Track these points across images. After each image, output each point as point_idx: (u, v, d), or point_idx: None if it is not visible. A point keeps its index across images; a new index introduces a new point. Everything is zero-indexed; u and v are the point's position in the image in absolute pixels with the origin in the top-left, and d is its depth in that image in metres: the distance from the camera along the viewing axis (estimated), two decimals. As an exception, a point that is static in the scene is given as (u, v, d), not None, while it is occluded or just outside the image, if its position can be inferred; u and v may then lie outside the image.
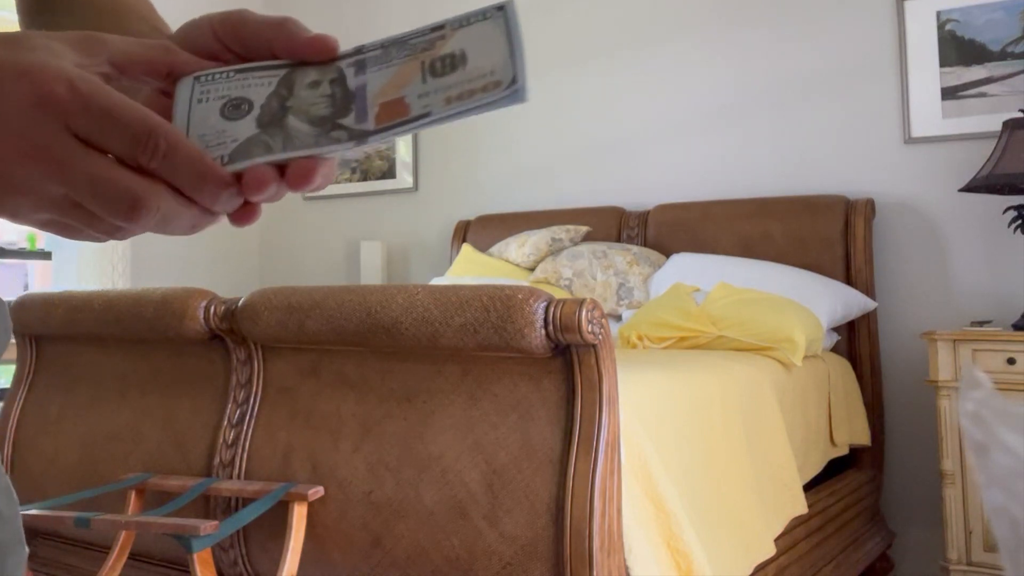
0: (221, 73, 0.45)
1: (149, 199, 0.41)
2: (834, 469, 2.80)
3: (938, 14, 3.07)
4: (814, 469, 2.55)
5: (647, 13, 3.66)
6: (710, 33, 3.52)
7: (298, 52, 0.45)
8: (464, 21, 0.43)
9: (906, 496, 3.08)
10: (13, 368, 2.37)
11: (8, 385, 2.36)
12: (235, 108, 0.44)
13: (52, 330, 2.20)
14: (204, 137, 0.43)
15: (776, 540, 2.07)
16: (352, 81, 0.44)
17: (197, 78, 0.45)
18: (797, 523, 2.27)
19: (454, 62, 0.42)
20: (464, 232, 3.90)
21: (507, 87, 0.40)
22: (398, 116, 0.41)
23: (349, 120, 0.42)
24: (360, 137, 0.42)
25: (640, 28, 3.68)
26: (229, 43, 0.47)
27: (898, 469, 3.09)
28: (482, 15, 0.43)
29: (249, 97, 0.44)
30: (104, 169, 0.40)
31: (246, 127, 0.43)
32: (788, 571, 2.19)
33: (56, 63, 0.40)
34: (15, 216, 0.43)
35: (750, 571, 1.90)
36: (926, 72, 3.08)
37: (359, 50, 0.45)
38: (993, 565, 2.48)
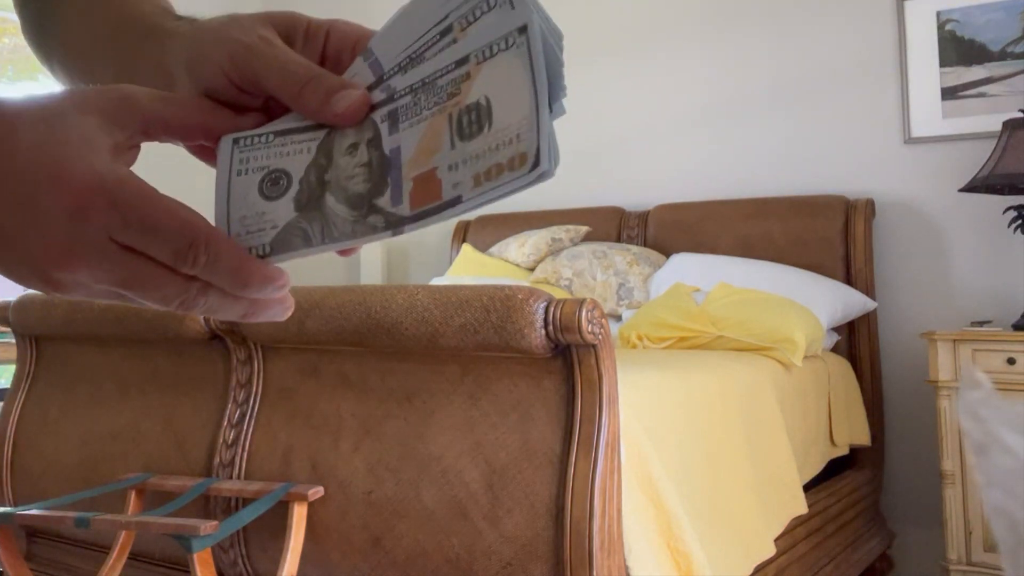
0: (260, 136, 0.44)
1: (196, 299, 0.41)
2: (834, 469, 2.80)
3: (938, 14, 3.07)
4: (814, 469, 2.55)
5: (647, 13, 3.66)
6: (710, 33, 3.52)
7: (326, 123, 0.43)
8: (488, 50, 0.40)
9: (906, 496, 3.08)
10: (13, 368, 2.37)
11: (8, 385, 2.36)
12: (274, 184, 0.43)
13: (52, 330, 2.20)
14: (245, 220, 0.42)
15: (776, 540, 2.07)
16: (387, 142, 0.42)
17: (236, 142, 0.44)
18: (797, 523, 2.27)
19: (480, 118, 0.39)
20: (464, 232, 3.90)
21: (532, 166, 0.37)
22: (431, 199, 0.39)
23: (385, 200, 0.41)
24: (396, 226, 0.40)
25: (640, 27, 3.68)
26: (246, 87, 0.45)
27: (898, 469, 3.09)
28: (504, 41, 0.39)
29: (287, 169, 0.43)
30: (148, 275, 0.40)
31: (284, 209, 0.42)
32: (788, 571, 2.19)
33: (91, 164, 0.39)
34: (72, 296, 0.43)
35: (750, 571, 1.90)
36: (926, 72, 3.08)
37: (391, 95, 0.43)
38: (993, 565, 2.48)
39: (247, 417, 1.85)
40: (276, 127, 0.44)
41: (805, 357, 2.57)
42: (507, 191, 0.38)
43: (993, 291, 2.94)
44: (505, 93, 0.39)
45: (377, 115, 0.43)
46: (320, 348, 1.77)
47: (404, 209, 0.40)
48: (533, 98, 0.37)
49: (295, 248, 0.41)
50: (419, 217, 0.40)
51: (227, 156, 0.44)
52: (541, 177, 0.37)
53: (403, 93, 0.42)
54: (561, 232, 3.42)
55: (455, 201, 0.39)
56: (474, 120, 0.39)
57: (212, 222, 0.42)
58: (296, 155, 0.43)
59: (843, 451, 2.79)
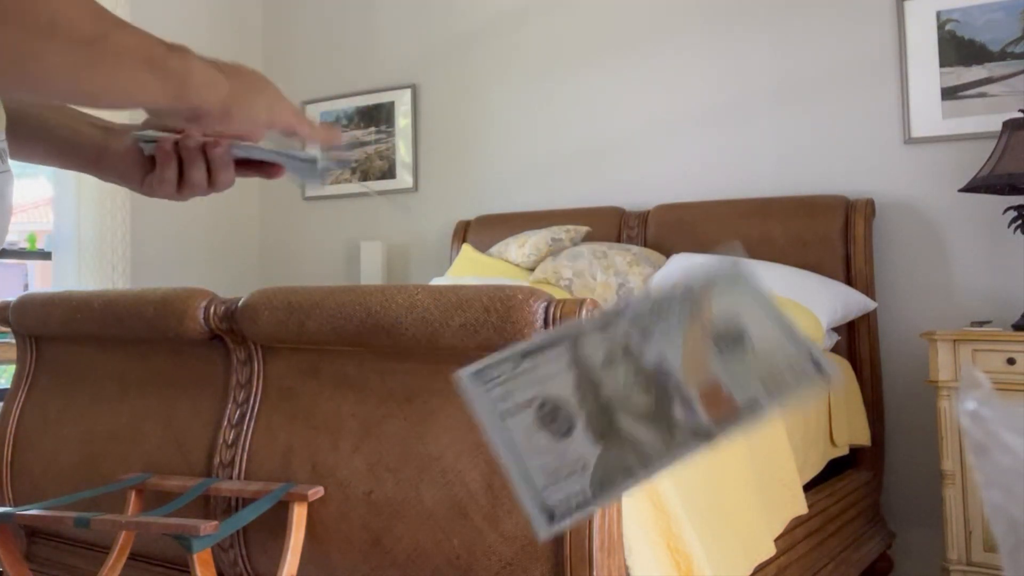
0: (504, 363, 0.40)
1: None
2: (834, 469, 2.79)
3: (938, 14, 3.07)
4: (814, 469, 2.55)
5: (647, 13, 3.66)
6: (710, 33, 3.52)
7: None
8: (709, 281, 0.42)
9: (906, 496, 3.08)
10: (13, 368, 2.37)
11: (8, 385, 2.36)
12: (552, 418, 0.40)
13: (52, 330, 2.20)
14: (548, 467, 0.39)
15: (776, 540, 2.07)
16: (641, 348, 0.41)
17: (478, 375, 0.40)
18: (797, 523, 2.27)
19: (735, 338, 0.40)
20: (464, 232, 3.90)
21: (815, 371, 0.40)
22: (727, 407, 0.40)
23: (679, 413, 0.40)
24: (709, 438, 0.40)
25: (640, 28, 3.68)
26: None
27: (898, 469, 3.09)
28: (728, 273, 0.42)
29: (557, 397, 0.40)
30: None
31: (584, 444, 0.39)
32: (788, 571, 2.19)
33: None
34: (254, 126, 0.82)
35: (750, 571, 1.90)
36: (926, 72, 3.08)
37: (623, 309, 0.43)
38: (993, 565, 2.48)
39: (247, 417, 1.85)
40: (516, 351, 0.41)
41: (805, 357, 2.56)
42: (797, 395, 0.41)
43: (993, 291, 2.94)
44: (750, 319, 0.41)
45: (619, 326, 0.42)
46: (320, 348, 1.77)
47: (702, 418, 0.40)
48: (784, 328, 0.41)
49: (622, 485, 0.39)
50: (726, 427, 0.40)
51: (482, 395, 0.40)
52: (825, 381, 0.41)
53: (639, 306, 0.43)
54: (561, 232, 3.42)
55: (754, 406, 0.40)
56: (732, 341, 0.41)
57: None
58: (555, 377, 0.40)
59: (843, 451, 2.78)
